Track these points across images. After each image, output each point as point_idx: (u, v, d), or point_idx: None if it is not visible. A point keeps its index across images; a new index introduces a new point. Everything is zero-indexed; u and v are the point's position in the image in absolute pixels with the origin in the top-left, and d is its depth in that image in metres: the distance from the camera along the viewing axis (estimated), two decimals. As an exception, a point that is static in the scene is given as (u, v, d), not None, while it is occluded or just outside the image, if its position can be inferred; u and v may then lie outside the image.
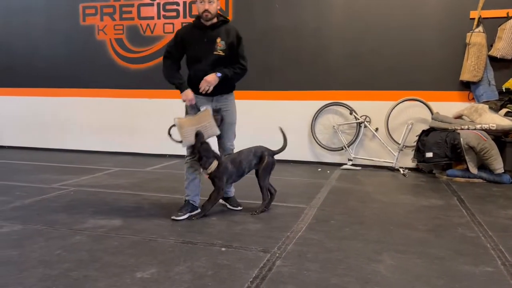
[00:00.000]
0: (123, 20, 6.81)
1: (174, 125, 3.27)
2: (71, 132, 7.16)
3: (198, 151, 3.27)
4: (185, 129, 3.24)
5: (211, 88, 3.35)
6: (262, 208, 3.51)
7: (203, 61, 3.38)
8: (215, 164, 3.29)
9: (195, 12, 6.45)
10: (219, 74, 3.35)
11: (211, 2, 3.30)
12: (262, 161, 3.47)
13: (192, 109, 3.43)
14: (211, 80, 3.32)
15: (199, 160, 3.30)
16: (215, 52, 3.38)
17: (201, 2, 3.30)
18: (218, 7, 3.40)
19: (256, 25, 6.16)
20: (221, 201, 3.71)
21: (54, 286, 2.14)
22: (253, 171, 3.54)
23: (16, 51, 7.31)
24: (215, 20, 3.40)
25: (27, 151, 7.10)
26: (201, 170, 3.36)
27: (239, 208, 3.60)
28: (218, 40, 3.38)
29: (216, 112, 3.41)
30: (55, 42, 7.12)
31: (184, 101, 3.41)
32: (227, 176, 3.37)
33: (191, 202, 3.43)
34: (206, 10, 3.30)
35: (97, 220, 3.28)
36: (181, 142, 3.28)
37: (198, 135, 3.25)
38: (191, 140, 3.25)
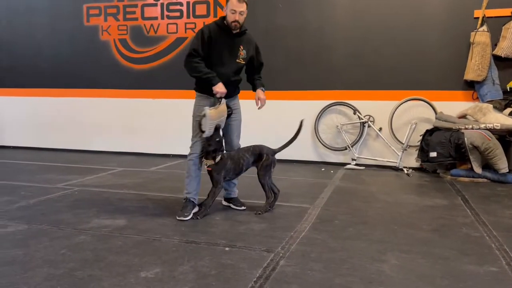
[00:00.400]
0: (126, 20, 6.82)
1: (204, 115, 3.25)
2: (74, 132, 7.18)
3: (214, 143, 3.34)
4: (211, 121, 3.29)
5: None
6: (266, 208, 3.52)
7: (225, 65, 3.42)
8: (218, 158, 3.37)
9: (198, 12, 6.46)
10: (263, 89, 3.59)
11: (242, 14, 3.33)
12: (260, 159, 3.49)
13: (209, 101, 3.42)
14: (265, 97, 3.54)
15: (213, 152, 3.35)
16: (237, 60, 3.46)
17: (232, 12, 3.31)
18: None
19: (259, 24, 6.15)
20: (224, 202, 3.72)
21: (59, 285, 2.15)
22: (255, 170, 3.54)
23: (20, 52, 7.35)
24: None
25: (31, 151, 7.13)
26: (204, 161, 3.40)
27: (243, 208, 3.61)
28: (241, 48, 3.45)
29: (229, 107, 3.48)
30: (59, 42, 7.15)
31: (216, 93, 3.34)
32: (224, 172, 3.40)
33: (192, 199, 3.45)
34: (236, 21, 3.33)
35: (101, 220, 3.29)
36: (203, 132, 3.30)
37: (218, 129, 3.35)
38: (211, 132, 3.31)
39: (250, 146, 3.55)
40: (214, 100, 3.38)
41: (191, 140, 3.48)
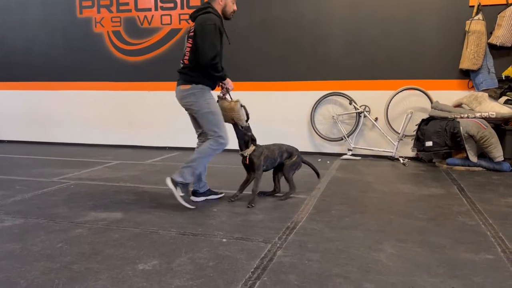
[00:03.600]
0: (120, 12, 6.76)
1: (242, 106, 3.45)
2: (69, 125, 7.15)
3: (248, 129, 3.55)
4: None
5: None
6: (289, 195, 3.69)
7: (220, 54, 3.38)
8: (252, 146, 3.54)
9: (192, 3, 6.40)
10: None
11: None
12: (291, 157, 3.69)
13: (210, 93, 3.45)
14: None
15: (250, 137, 3.52)
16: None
17: (233, 2, 3.43)
18: None
19: (255, 15, 6.12)
20: (197, 197, 3.65)
21: (56, 279, 2.14)
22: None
23: (14, 45, 7.28)
24: None
25: (26, 145, 7.10)
26: (243, 153, 3.53)
27: (221, 195, 3.71)
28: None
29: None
30: (52, 35, 7.08)
31: (229, 87, 3.50)
32: (263, 159, 3.54)
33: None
34: (234, 11, 3.45)
35: (98, 213, 3.28)
36: (247, 120, 3.50)
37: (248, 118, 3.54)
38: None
39: (283, 144, 3.73)
40: (223, 92, 3.51)
41: (218, 134, 3.36)
